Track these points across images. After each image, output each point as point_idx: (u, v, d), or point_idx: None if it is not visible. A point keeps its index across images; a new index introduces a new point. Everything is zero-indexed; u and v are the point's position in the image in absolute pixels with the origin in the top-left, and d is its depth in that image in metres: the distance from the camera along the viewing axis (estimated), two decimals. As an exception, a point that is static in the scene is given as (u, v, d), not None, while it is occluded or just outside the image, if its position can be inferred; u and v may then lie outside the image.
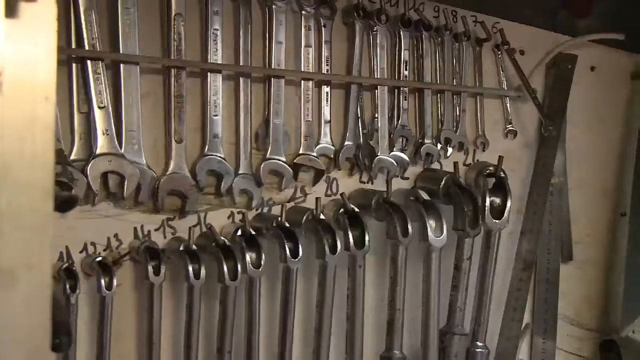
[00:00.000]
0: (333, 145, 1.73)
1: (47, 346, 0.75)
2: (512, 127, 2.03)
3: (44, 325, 0.75)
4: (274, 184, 1.68)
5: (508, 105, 2.02)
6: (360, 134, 1.77)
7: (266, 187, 1.67)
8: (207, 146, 1.55)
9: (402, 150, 1.84)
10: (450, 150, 1.91)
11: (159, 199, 1.51)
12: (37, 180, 0.75)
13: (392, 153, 1.81)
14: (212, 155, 1.56)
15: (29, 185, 0.74)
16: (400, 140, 1.83)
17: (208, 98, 1.55)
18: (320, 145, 1.71)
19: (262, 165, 1.62)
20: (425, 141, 1.87)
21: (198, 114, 1.56)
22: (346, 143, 1.75)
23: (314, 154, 1.70)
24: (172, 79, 1.51)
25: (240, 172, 1.60)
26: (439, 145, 1.89)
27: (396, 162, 1.82)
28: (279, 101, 1.64)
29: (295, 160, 1.68)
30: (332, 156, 1.73)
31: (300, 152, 1.69)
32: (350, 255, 1.66)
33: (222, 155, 1.57)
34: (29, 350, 0.75)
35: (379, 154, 1.78)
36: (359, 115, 1.77)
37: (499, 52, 1.99)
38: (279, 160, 1.64)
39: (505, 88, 2.01)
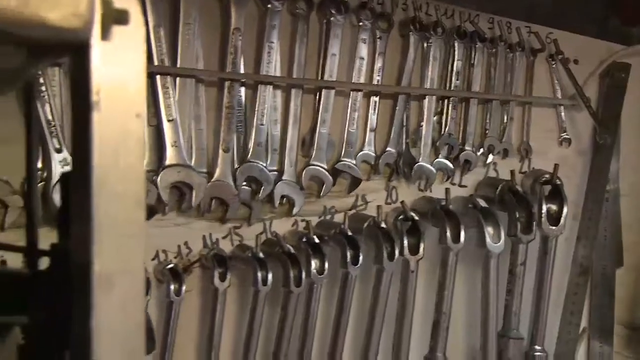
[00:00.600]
0: (375, 153, 1.76)
1: (142, 350, 0.79)
2: (566, 135, 2.06)
3: (138, 329, 0.80)
4: (340, 192, 1.73)
5: (562, 114, 2.05)
6: (403, 142, 1.80)
7: (329, 195, 1.71)
8: (249, 154, 1.59)
9: (447, 158, 1.87)
10: (491, 157, 1.94)
11: (202, 205, 1.55)
12: (131, 191, 0.79)
13: (436, 160, 1.84)
14: (255, 162, 1.59)
15: (123, 195, 0.79)
16: (446, 148, 1.86)
17: (256, 107, 1.59)
18: (362, 152, 1.75)
19: (303, 172, 1.66)
20: (466, 148, 1.90)
21: (249, 124, 1.60)
22: (387, 149, 1.78)
23: (354, 161, 1.73)
24: (225, 90, 1.56)
25: (284, 178, 1.64)
26: (481, 152, 1.93)
27: (440, 169, 1.85)
28: (327, 110, 1.68)
29: (335, 166, 1.71)
30: (372, 163, 1.77)
31: (341, 159, 1.72)
32: (404, 260, 1.70)
33: (264, 163, 1.60)
34: (125, 353, 0.79)
35: (420, 161, 1.81)
36: (405, 124, 1.80)
37: (553, 62, 2.02)
38: (320, 166, 1.68)
39: (560, 97, 2.04)
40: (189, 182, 1.51)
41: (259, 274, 1.54)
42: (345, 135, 1.73)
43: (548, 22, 2.04)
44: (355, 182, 1.75)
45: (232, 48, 1.56)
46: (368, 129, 1.75)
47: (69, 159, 1.37)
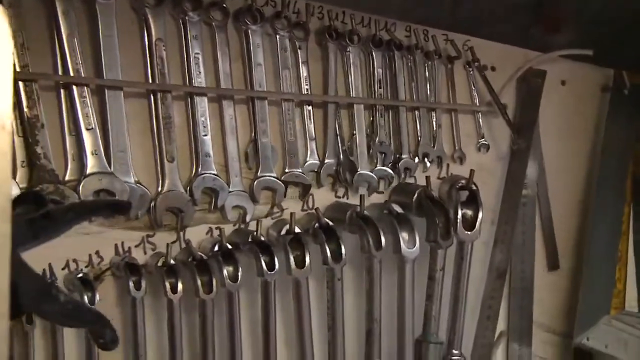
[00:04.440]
0: (319, 161, 1.80)
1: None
2: (484, 141, 2.10)
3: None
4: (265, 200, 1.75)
5: (480, 120, 2.09)
6: (340, 151, 1.82)
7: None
8: (200, 165, 1.61)
9: (383, 166, 1.89)
10: (428, 164, 1.97)
11: (157, 216, 1.57)
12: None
13: (377, 168, 1.88)
14: (207, 173, 1.62)
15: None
16: (380, 156, 1.89)
17: (196, 119, 1.61)
18: (309, 162, 1.78)
19: (254, 183, 1.68)
20: (403, 156, 1.92)
21: (187, 134, 1.62)
22: (327, 160, 1.80)
23: (300, 170, 1.76)
24: (159, 101, 1.56)
25: (231, 189, 1.66)
26: (417, 160, 1.96)
27: (381, 177, 1.89)
28: (264, 120, 1.69)
29: (282, 178, 1.73)
30: (317, 171, 1.80)
31: (287, 170, 1.74)
32: (329, 269, 1.71)
33: (216, 173, 1.63)
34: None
35: (359, 169, 1.84)
36: (338, 133, 1.82)
37: (470, 69, 2.06)
38: (271, 177, 1.71)
39: (478, 103, 2.07)
40: (111, 190, 1.51)
41: (167, 283, 1.55)
42: (286, 146, 1.75)
43: (471, 32, 2.07)
44: (306, 189, 1.78)
45: (158, 59, 1.56)
46: (308, 138, 1.78)
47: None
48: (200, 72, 1.62)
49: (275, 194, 1.73)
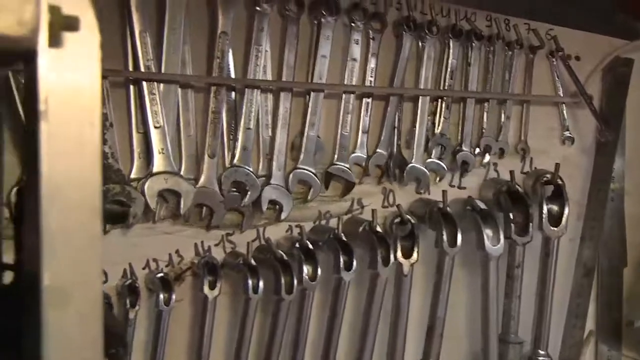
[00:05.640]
0: (367, 155, 1.73)
1: (100, 358, 0.78)
2: (569, 133, 2.03)
3: (96, 338, 0.79)
4: (335, 196, 1.71)
5: (564, 112, 2.02)
6: (395, 143, 1.77)
7: (324, 200, 1.69)
8: (236, 158, 1.56)
9: (439, 159, 1.83)
10: (487, 157, 1.90)
11: (186, 212, 1.52)
12: (86, 201, 0.78)
13: (428, 161, 1.81)
14: (241, 167, 1.56)
15: (78, 206, 0.78)
16: (439, 148, 1.83)
17: (244, 111, 1.56)
18: (354, 155, 1.72)
19: (290, 175, 1.63)
20: (463, 149, 1.86)
21: (233, 129, 1.58)
22: (378, 150, 1.74)
23: (347, 165, 1.70)
24: (212, 95, 1.53)
25: (272, 182, 1.60)
26: (477, 151, 1.89)
27: (432, 170, 1.81)
28: (316, 113, 1.65)
29: (327, 170, 1.68)
30: (364, 165, 1.74)
31: (334, 162, 1.69)
32: (398, 264, 1.67)
33: (251, 168, 1.57)
34: (82, 362, 0.78)
35: (412, 162, 1.78)
36: (396, 125, 1.76)
37: (553, 59, 1.99)
38: (308, 170, 1.65)
39: (562, 95, 2.00)
40: (176, 190, 1.48)
41: (250, 282, 1.52)
42: (339, 139, 1.70)
43: (550, 19, 2.00)
44: (348, 186, 1.72)
45: (218, 52, 1.53)
46: (360, 131, 1.72)
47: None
48: (259, 65, 1.57)
49: (310, 189, 1.67)
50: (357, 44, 1.70)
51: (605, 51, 2.07)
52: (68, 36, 0.76)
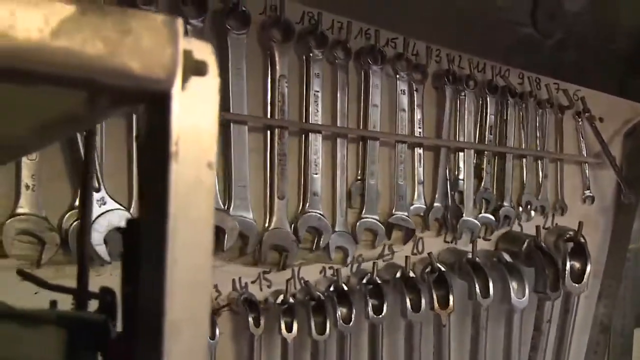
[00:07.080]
0: (425, 205, 1.77)
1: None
2: (590, 192, 2.07)
3: None
4: (367, 242, 1.72)
5: (587, 171, 2.06)
6: (449, 196, 1.81)
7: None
8: (307, 203, 1.60)
9: (486, 213, 1.87)
10: (532, 213, 1.95)
11: (262, 253, 1.55)
12: (201, 240, 0.80)
13: (480, 215, 1.85)
14: (313, 212, 1.61)
15: (194, 244, 0.79)
16: (483, 202, 1.87)
17: (309, 157, 1.60)
18: (414, 206, 1.76)
19: (357, 223, 1.67)
20: (505, 204, 1.90)
21: (297, 172, 1.61)
22: (435, 204, 1.79)
23: (406, 213, 1.74)
24: (275, 137, 1.56)
25: (337, 229, 1.64)
26: (520, 209, 1.93)
27: (484, 224, 1.86)
28: (374, 161, 1.69)
29: (389, 220, 1.72)
30: (423, 215, 1.78)
31: (394, 212, 1.73)
32: (435, 315, 1.70)
33: (322, 212, 1.62)
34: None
35: (464, 215, 1.82)
36: (448, 177, 1.81)
37: (580, 119, 2.04)
38: (374, 219, 1.69)
39: (585, 154, 2.05)
40: (222, 226, 1.50)
41: (282, 322, 1.54)
42: (395, 188, 1.73)
43: (569, 79, 2.05)
44: (409, 234, 1.76)
45: (279, 95, 1.56)
46: (416, 181, 1.77)
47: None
48: (318, 110, 1.61)
49: (376, 236, 1.71)
50: (404, 94, 1.74)
51: (626, 114, 2.13)
52: (195, 80, 0.78)
